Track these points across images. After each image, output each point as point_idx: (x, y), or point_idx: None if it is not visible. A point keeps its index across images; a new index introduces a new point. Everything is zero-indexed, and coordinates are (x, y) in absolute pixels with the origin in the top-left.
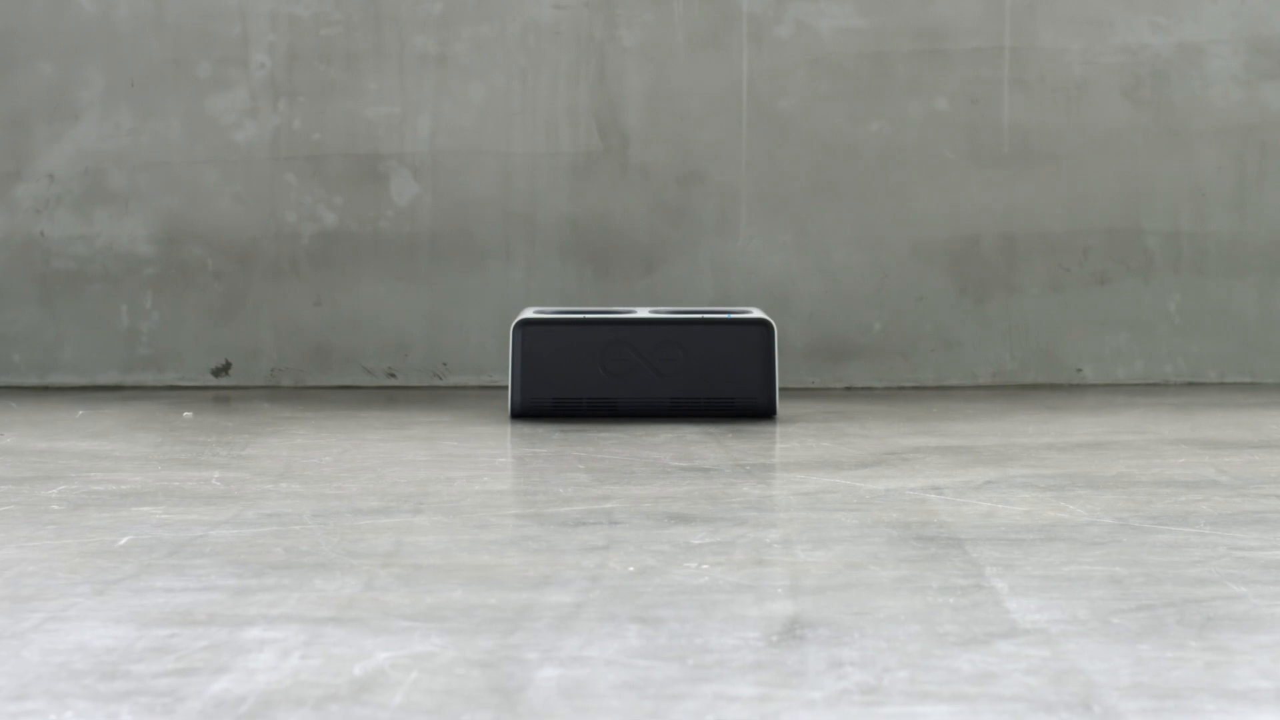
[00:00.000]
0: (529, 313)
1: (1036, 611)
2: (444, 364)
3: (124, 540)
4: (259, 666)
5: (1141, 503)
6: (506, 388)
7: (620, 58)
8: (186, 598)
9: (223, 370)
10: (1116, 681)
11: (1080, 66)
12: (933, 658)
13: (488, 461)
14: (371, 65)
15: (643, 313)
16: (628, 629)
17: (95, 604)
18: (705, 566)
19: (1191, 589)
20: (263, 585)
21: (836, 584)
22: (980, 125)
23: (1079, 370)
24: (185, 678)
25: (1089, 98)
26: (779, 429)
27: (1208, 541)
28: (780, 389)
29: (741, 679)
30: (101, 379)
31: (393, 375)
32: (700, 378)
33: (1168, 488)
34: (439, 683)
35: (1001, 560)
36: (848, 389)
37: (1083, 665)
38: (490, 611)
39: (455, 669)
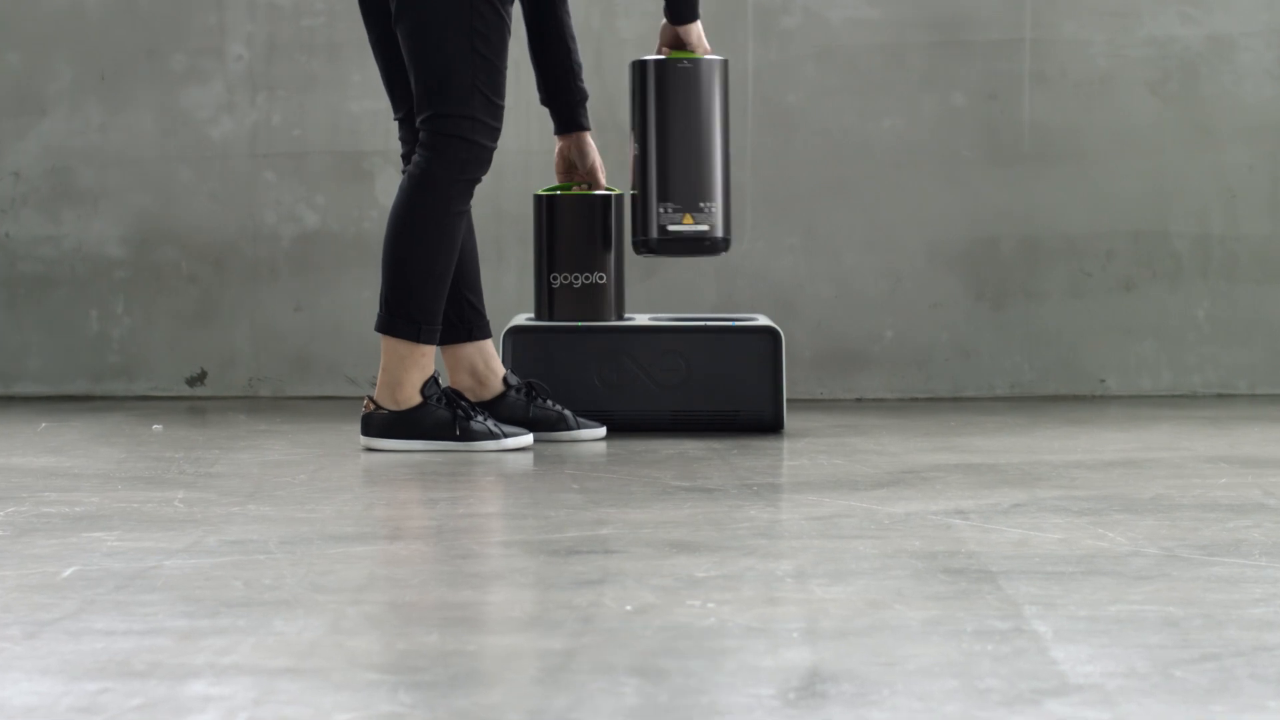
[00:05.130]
0: (520, 319)
1: (1088, 662)
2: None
3: (68, 572)
4: None
5: (1187, 530)
6: None
7: (619, 49)
8: (128, 642)
9: (198, 380)
10: None
11: (1105, 59)
12: None
13: (474, 480)
14: (355, 57)
15: (641, 320)
16: (625, 684)
17: (23, 650)
18: (711, 605)
19: (1258, 633)
20: (215, 627)
21: (859, 626)
22: (999, 121)
23: (1102, 381)
24: None
25: (1114, 92)
26: (787, 444)
27: (1266, 576)
28: (788, 400)
29: None
30: (69, 389)
31: None
32: (703, 389)
33: (1213, 512)
34: None
35: (1040, 598)
36: (859, 400)
37: None
38: (469, 660)
39: None
